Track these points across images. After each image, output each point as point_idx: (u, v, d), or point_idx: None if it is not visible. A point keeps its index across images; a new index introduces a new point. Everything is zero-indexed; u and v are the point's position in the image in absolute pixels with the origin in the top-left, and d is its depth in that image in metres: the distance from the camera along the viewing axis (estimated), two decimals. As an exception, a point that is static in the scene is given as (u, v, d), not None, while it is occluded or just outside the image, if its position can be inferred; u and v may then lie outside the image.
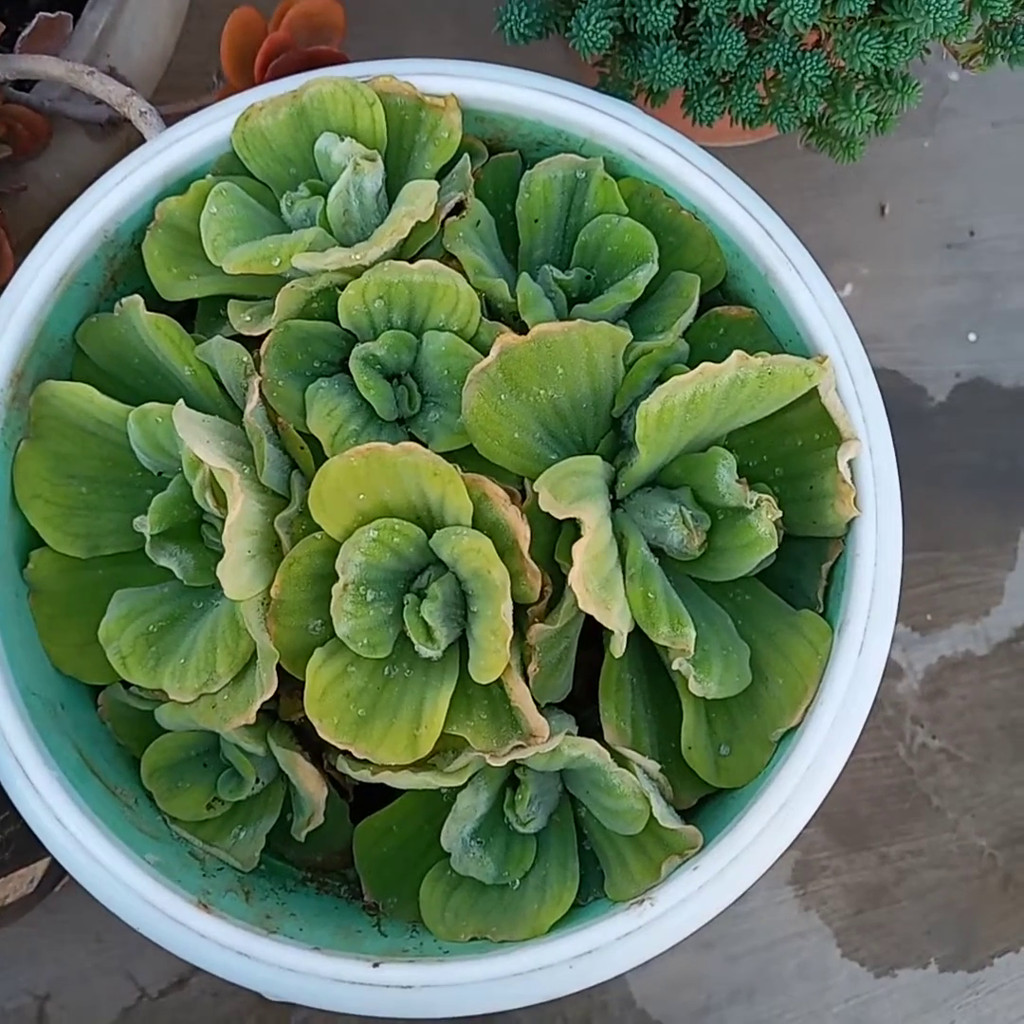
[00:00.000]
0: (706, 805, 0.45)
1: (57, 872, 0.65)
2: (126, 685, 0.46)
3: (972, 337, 0.77)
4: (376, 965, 0.41)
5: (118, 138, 0.55)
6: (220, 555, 0.44)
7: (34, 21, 0.51)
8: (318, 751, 0.47)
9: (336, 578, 0.41)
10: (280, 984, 0.41)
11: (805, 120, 0.52)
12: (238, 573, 0.40)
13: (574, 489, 0.41)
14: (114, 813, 0.43)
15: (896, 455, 0.45)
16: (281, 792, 0.47)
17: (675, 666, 0.42)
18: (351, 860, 0.48)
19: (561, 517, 0.40)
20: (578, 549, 0.39)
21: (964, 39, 0.49)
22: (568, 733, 0.42)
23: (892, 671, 0.74)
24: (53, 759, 0.42)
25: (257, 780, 0.46)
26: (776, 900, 0.72)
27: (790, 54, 0.49)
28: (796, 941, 0.71)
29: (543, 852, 0.45)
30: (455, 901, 0.44)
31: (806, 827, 0.73)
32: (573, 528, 0.44)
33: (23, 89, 0.53)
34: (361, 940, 0.44)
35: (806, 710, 0.43)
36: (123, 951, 0.68)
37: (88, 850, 0.41)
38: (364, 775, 0.43)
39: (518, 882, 0.44)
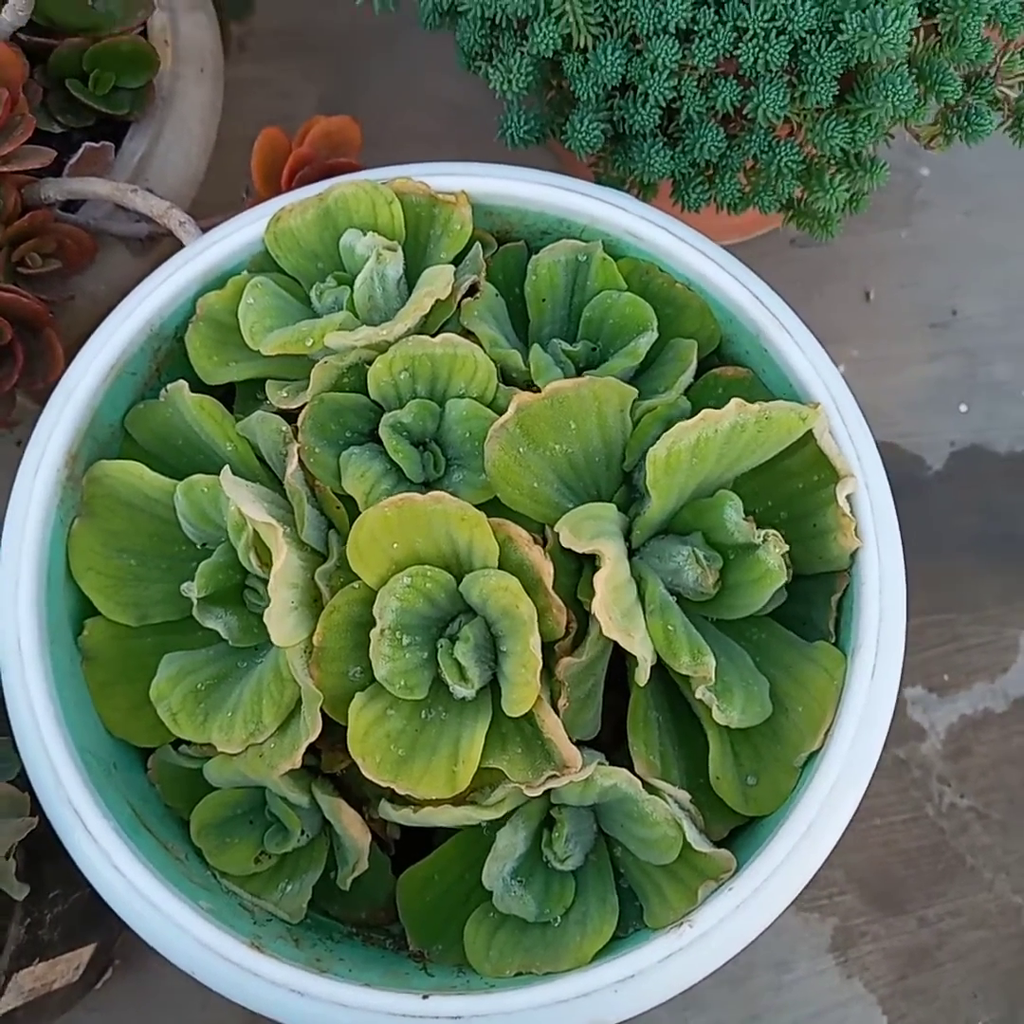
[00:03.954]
0: (738, 835, 0.47)
1: (101, 963, 0.65)
2: (176, 745, 0.49)
3: (963, 408, 0.81)
4: (426, 997, 0.42)
5: (156, 253, 0.60)
6: (261, 617, 0.47)
7: (80, 150, 0.57)
8: (358, 805, 0.49)
9: (373, 625, 0.44)
10: (333, 1021, 0.42)
11: (784, 203, 0.57)
12: (283, 621, 0.43)
13: (592, 529, 0.44)
14: (167, 865, 0.45)
15: (899, 521, 0.48)
16: (325, 846, 0.49)
17: (698, 695, 0.44)
18: (394, 916, 0.49)
19: (581, 551, 0.43)
20: (599, 579, 0.42)
21: (923, 122, 0.54)
22: (600, 763, 0.44)
23: (915, 732, 0.75)
24: (110, 812, 0.45)
25: (302, 832, 0.48)
26: (818, 969, 0.71)
27: (766, 143, 0.54)
28: (841, 1010, 0.71)
29: (582, 889, 0.46)
30: (499, 940, 0.46)
31: (842, 892, 0.74)
32: (593, 570, 0.47)
33: (70, 211, 0.58)
34: (409, 979, 0.45)
35: (827, 733, 0.45)
36: (164, 1049, 0.68)
37: (143, 894, 0.43)
38: (406, 814, 0.44)
39: (559, 919, 0.46)
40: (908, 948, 0.72)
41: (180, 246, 0.55)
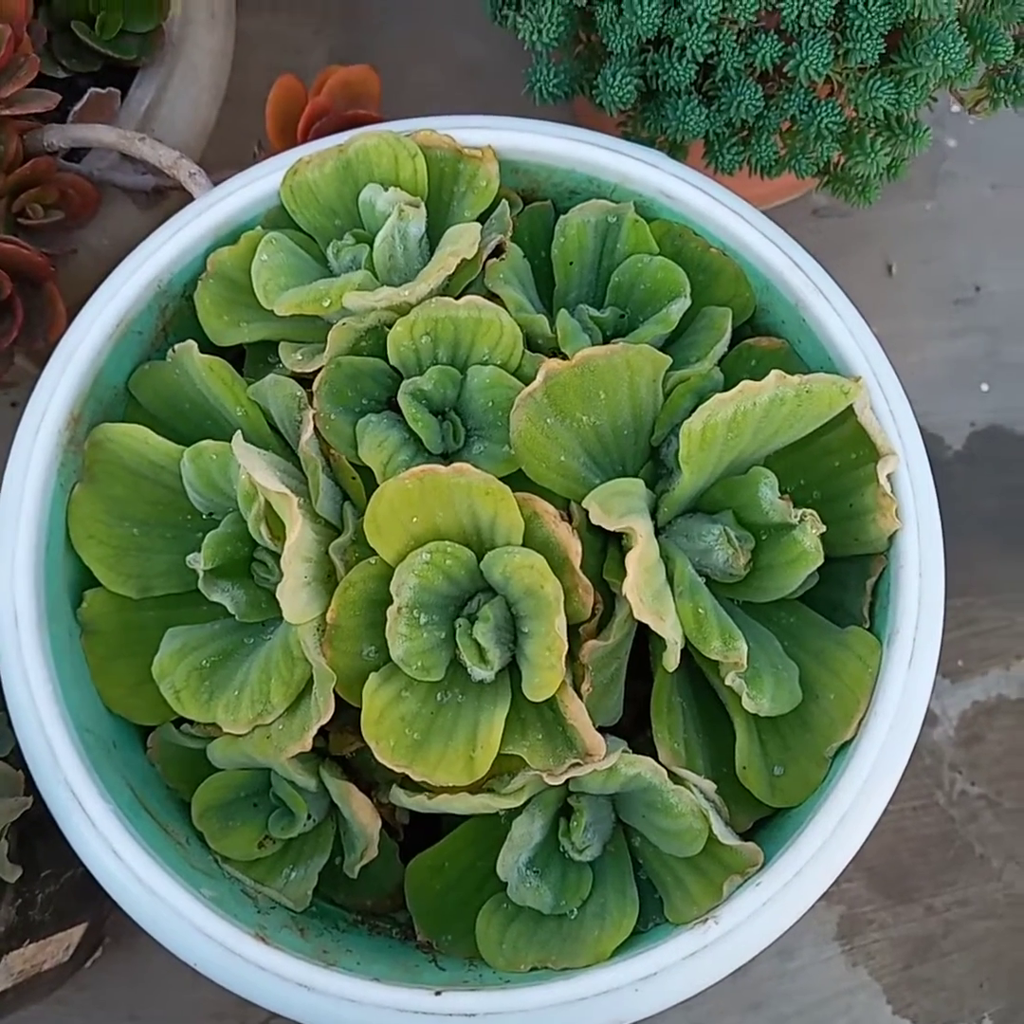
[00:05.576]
0: (762, 828, 0.45)
1: (91, 942, 0.64)
2: (178, 723, 0.47)
3: (984, 387, 0.79)
4: (438, 993, 0.40)
5: (162, 208, 0.58)
6: (270, 592, 0.45)
7: (86, 96, 0.54)
8: (367, 790, 0.47)
9: (389, 603, 0.41)
10: (341, 1017, 0.40)
11: (821, 167, 0.54)
12: (296, 597, 0.41)
13: (622, 505, 0.42)
14: (168, 849, 0.43)
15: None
16: (331, 831, 0.47)
17: (728, 681, 0.42)
18: (401, 903, 0.48)
19: (612, 529, 0.41)
20: (631, 558, 0.39)
21: (969, 85, 0.52)
22: (624, 751, 0.42)
23: (927, 718, 0.73)
24: (109, 794, 0.42)
25: (309, 816, 0.46)
26: (823, 957, 0.70)
27: (805, 103, 0.51)
28: (846, 999, 0.70)
29: (600, 880, 0.45)
30: (513, 932, 0.44)
31: (849, 880, 0.73)
32: (618, 551, 0.45)
33: (73, 161, 0.56)
34: (419, 973, 0.43)
35: (860, 723, 0.43)
36: (157, 1028, 0.67)
37: (144, 882, 0.41)
38: (420, 801, 0.42)
39: (576, 911, 0.44)
40: (915, 937, 0.70)
41: (187, 201, 0.52)
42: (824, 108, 0.52)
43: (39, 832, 0.49)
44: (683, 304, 0.47)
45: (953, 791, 0.72)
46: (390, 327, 0.45)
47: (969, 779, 0.73)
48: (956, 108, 0.84)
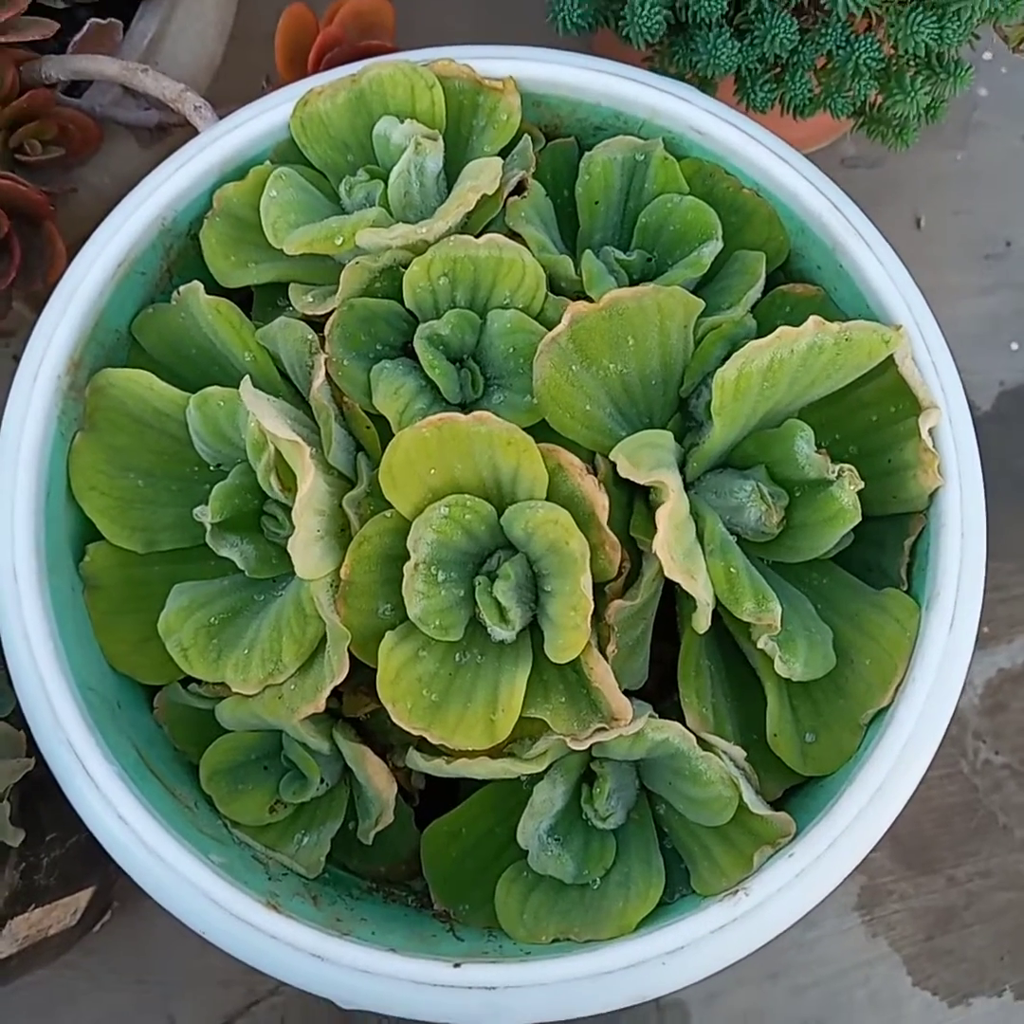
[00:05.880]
0: (793, 796, 0.43)
1: (99, 907, 0.63)
2: (185, 683, 0.45)
3: (1014, 346, 0.77)
4: (457, 965, 0.38)
5: (166, 145, 0.55)
6: (281, 547, 0.43)
7: (86, 26, 0.51)
8: (382, 753, 0.45)
9: (406, 558, 0.39)
10: (356, 989, 0.38)
11: (857, 107, 0.52)
12: (308, 551, 0.39)
13: (651, 458, 0.39)
14: (175, 813, 0.42)
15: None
16: (345, 795, 0.46)
17: (760, 644, 0.40)
18: (417, 870, 0.46)
19: (642, 483, 0.38)
20: (662, 514, 0.37)
21: (1014, 21, 0.49)
22: (650, 716, 0.40)
23: (951, 686, 0.72)
24: (113, 755, 0.41)
25: (321, 780, 0.44)
26: (842, 927, 0.69)
27: (843, 38, 0.48)
28: (865, 970, 0.68)
29: (623, 849, 0.43)
30: (534, 902, 0.42)
31: (870, 850, 0.71)
32: (646, 507, 0.43)
33: (74, 95, 0.53)
34: (437, 944, 0.41)
35: (897, 689, 0.41)
36: (164, 991, 0.66)
37: (151, 847, 0.39)
38: (438, 765, 0.41)
39: (599, 881, 0.42)
40: (936, 908, 0.69)
41: (192, 137, 0.50)
42: (862, 43, 0.49)
43: (42, 795, 0.47)
44: (714, 247, 0.45)
45: (977, 760, 0.71)
46: (406, 267, 0.42)
47: (993, 748, 0.71)
48: (988, 55, 0.81)
